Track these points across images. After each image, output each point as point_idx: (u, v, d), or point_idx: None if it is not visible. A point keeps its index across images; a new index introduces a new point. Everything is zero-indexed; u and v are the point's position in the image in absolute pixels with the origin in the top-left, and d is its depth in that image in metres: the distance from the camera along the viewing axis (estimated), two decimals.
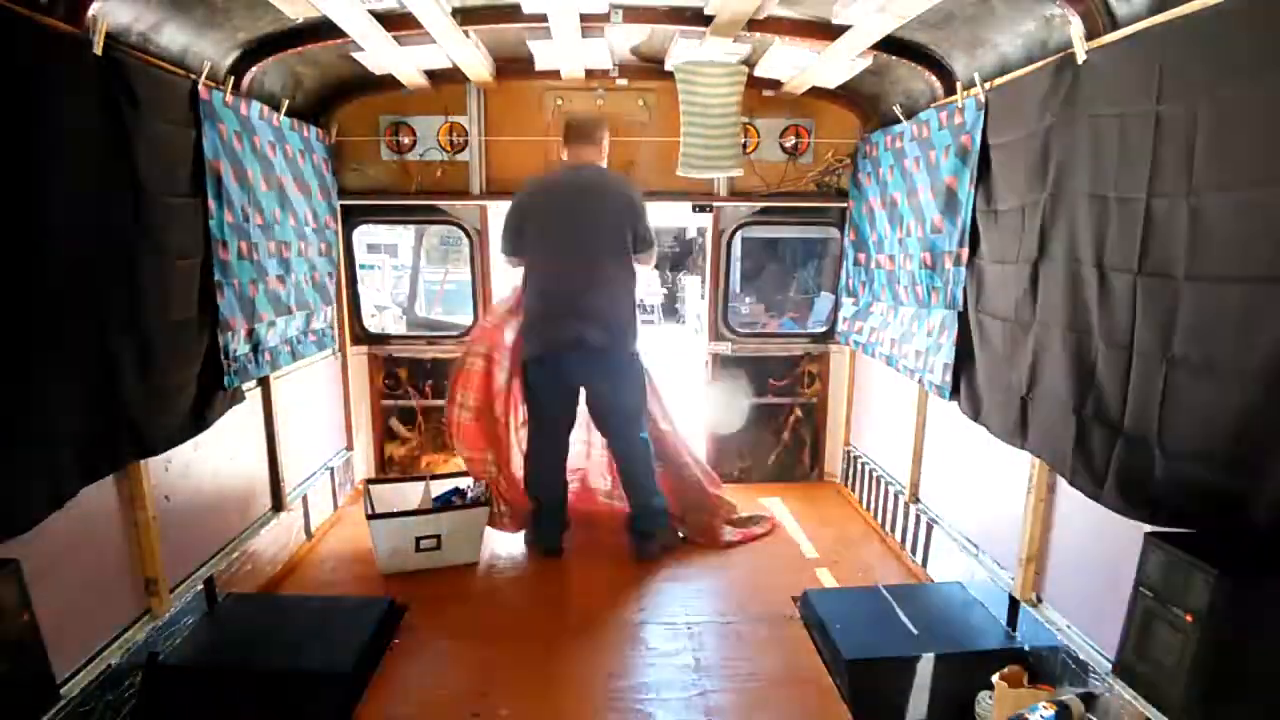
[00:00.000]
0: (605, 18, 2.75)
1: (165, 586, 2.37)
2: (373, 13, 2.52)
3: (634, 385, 3.34)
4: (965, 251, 2.63)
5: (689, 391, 4.68)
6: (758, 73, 3.38)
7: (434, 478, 3.61)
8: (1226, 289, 1.55)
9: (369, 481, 3.66)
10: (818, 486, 4.26)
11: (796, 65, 3.19)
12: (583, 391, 3.34)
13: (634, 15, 2.78)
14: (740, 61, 3.26)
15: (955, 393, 2.74)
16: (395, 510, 3.23)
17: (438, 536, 3.16)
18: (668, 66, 3.40)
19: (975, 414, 2.62)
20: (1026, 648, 2.41)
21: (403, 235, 12.50)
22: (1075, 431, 2.01)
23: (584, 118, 3.35)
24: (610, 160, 3.85)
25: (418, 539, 3.14)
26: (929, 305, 2.96)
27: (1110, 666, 1.98)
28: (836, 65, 2.99)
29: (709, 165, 3.20)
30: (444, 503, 3.43)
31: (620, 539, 3.45)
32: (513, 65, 3.53)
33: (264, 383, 3.08)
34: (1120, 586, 1.79)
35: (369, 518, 3.13)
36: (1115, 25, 1.88)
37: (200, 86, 2.37)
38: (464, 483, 3.56)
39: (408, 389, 4.13)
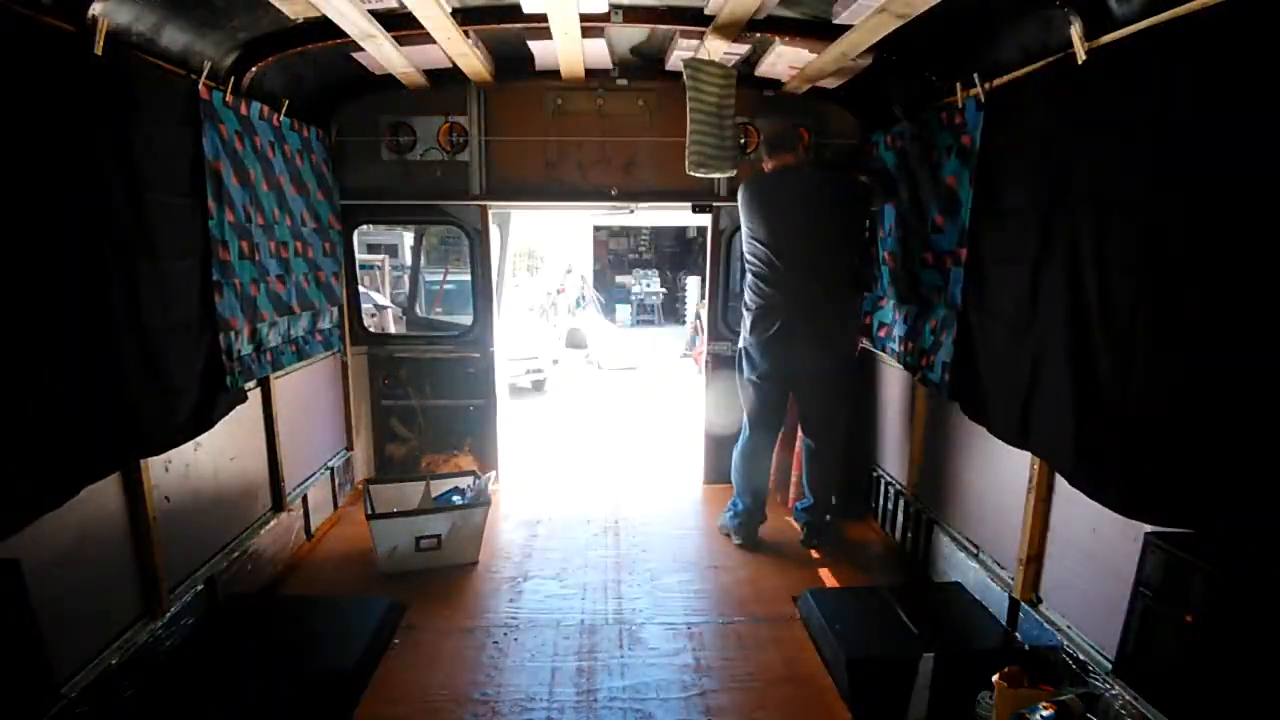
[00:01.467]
0: (605, 17, 2.75)
1: (165, 586, 2.37)
2: (373, 13, 2.52)
3: (846, 391, 3.45)
4: (965, 251, 2.62)
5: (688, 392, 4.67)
6: (758, 72, 3.38)
7: (434, 478, 3.60)
8: (1226, 289, 1.55)
9: (369, 481, 3.66)
10: None
11: (796, 65, 3.19)
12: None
13: (634, 15, 2.78)
14: (740, 61, 3.25)
15: (956, 392, 2.74)
16: (395, 510, 3.23)
17: (438, 536, 3.16)
18: (669, 66, 3.39)
19: (976, 413, 2.62)
20: (1026, 648, 2.41)
21: (403, 235, 12.48)
22: (1075, 431, 2.01)
23: (777, 126, 3.40)
24: (612, 160, 3.85)
25: (418, 539, 3.14)
26: (930, 304, 2.96)
27: (1110, 666, 1.98)
28: (836, 65, 2.98)
29: (717, 164, 3.17)
30: (444, 502, 3.43)
31: None
32: (513, 65, 3.53)
33: (264, 383, 3.08)
34: (1120, 586, 1.79)
35: (369, 518, 3.12)
36: (1115, 25, 1.88)
37: (200, 86, 2.37)
38: (463, 482, 3.56)
39: (408, 389, 4.13)
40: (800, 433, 3.54)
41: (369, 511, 3.18)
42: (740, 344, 3.43)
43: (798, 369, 3.28)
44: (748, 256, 3.33)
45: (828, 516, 3.50)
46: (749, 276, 3.34)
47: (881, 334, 3.52)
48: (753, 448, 3.48)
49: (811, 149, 3.51)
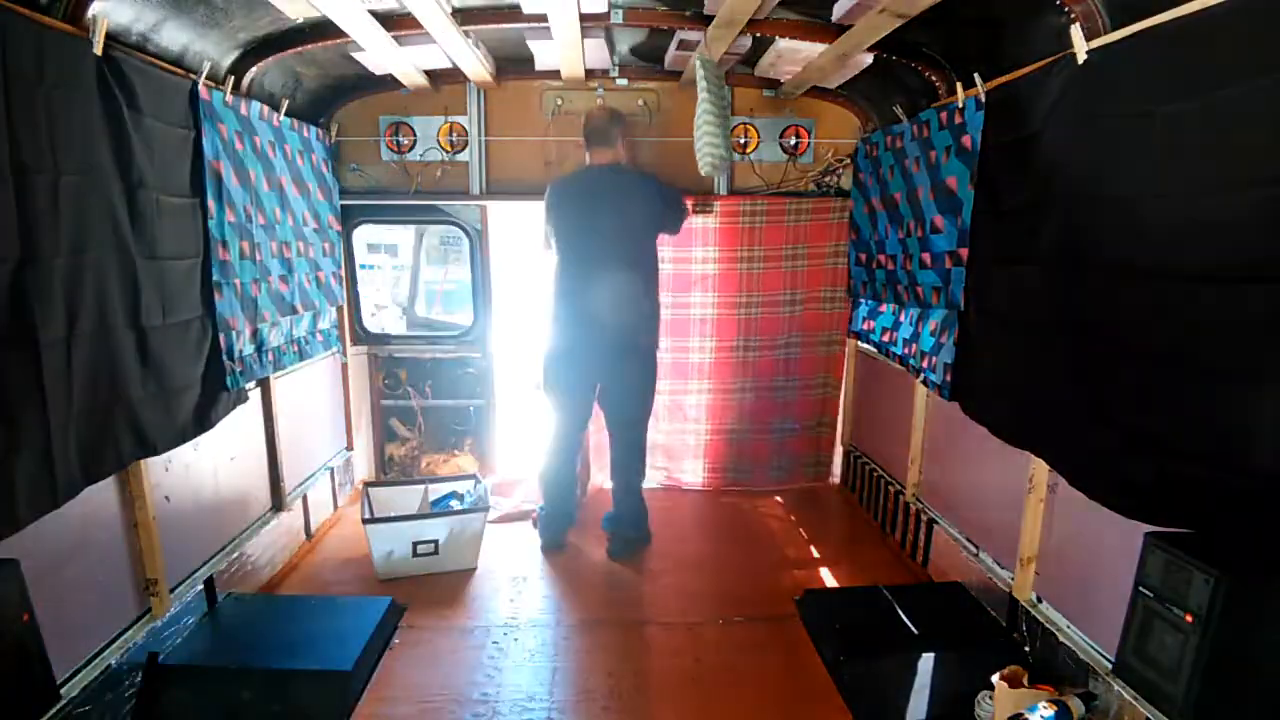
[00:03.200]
0: (605, 17, 2.75)
1: (165, 586, 2.37)
2: (373, 13, 2.52)
3: (649, 384, 3.41)
4: (965, 251, 2.62)
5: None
6: (758, 72, 3.37)
7: (433, 481, 3.59)
8: (1226, 289, 1.55)
9: (368, 484, 3.64)
10: (818, 487, 4.25)
11: (796, 64, 3.18)
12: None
13: (634, 15, 2.78)
14: (740, 61, 3.25)
15: (956, 392, 2.74)
16: (392, 515, 3.21)
17: (435, 542, 3.15)
18: (668, 66, 3.39)
19: (975, 414, 2.62)
20: (1026, 648, 2.41)
21: (403, 235, 12.46)
22: (1075, 431, 2.01)
23: (598, 120, 3.30)
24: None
25: (415, 544, 3.13)
26: (930, 305, 2.96)
27: (1110, 666, 1.98)
28: (836, 65, 2.98)
29: (725, 164, 3.14)
30: (442, 507, 3.42)
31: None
32: (513, 65, 3.53)
33: (264, 383, 3.08)
34: (1120, 586, 1.79)
35: (365, 522, 3.11)
36: (1115, 25, 1.88)
37: (200, 86, 2.37)
38: (462, 486, 3.56)
39: (408, 389, 4.13)
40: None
41: (366, 515, 3.16)
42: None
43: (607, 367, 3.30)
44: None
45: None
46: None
47: (885, 339, 3.52)
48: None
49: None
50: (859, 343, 4.01)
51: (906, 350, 3.25)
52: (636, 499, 3.48)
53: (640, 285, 3.24)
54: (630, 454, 3.45)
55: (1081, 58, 1.96)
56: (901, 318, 3.36)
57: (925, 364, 3.00)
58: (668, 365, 3.90)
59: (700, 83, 2.81)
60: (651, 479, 3.92)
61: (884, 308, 3.56)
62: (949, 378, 2.76)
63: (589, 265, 3.21)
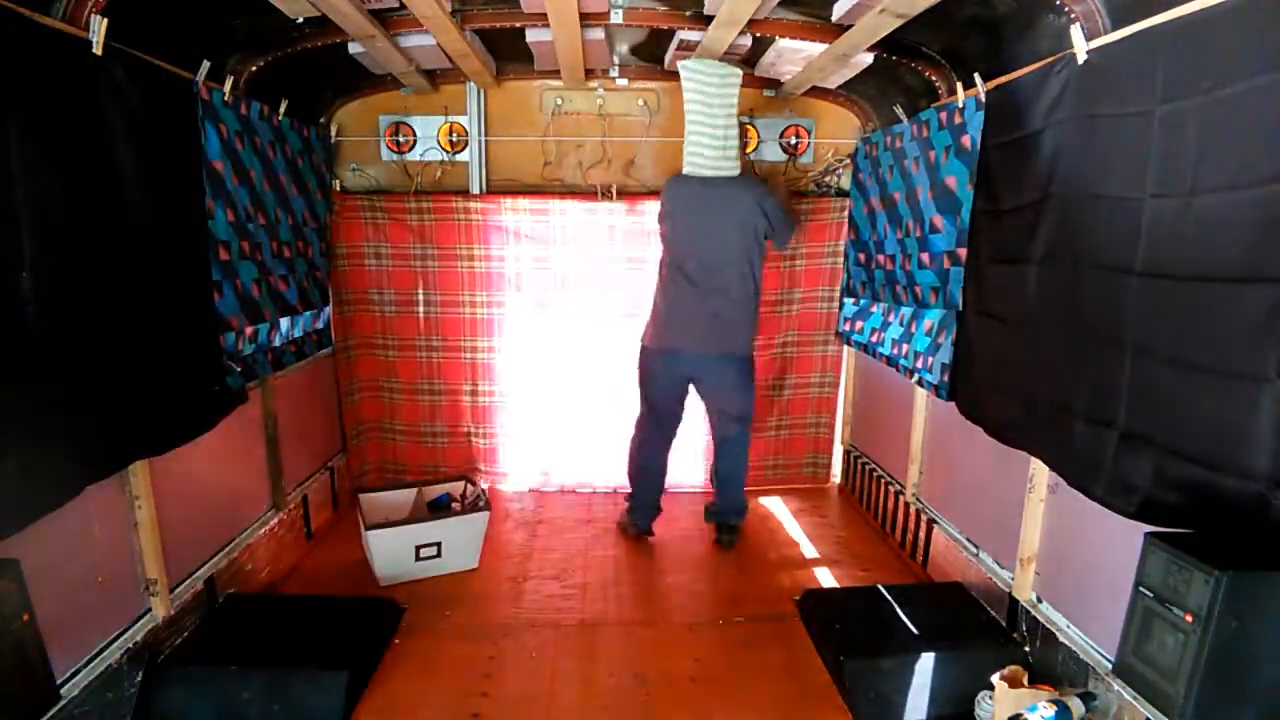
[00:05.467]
0: (605, 16, 2.75)
1: (165, 586, 2.37)
2: (372, 12, 2.52)
3: (746, 386, 3.38)
4: (964, 252, 2.63)
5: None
6: (758, 72, 3.37)
7: (423, 484, 3.57)
8: (1225, 290, 1.55)
9: (358, 490, 3.59)
10: (818, 487, 4.25)
11: (796, 65, 3.18)
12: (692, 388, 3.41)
13: (634, 15, 2.78)
14: (740, 61, 3.25)
15: (954, 393, 2.74)
16: (390, 520, 3.18)
17: (438, 544, 3.14)
18: (668, 66, 3.39)
19: (973, 414, 2.62)
20: (1026, 648, 2.41)
21: None
22: (1074, 432, 2.01)
23: None
24: (612, 160, 3.82)
25: (417, 548, 3.11)
26: (928, 305, 2.96)
27: (1110, 666, 1.98)
28: (836, 65, 2.98)
29: (732, 163, 3.12)
30: (439, 506, 3.40)
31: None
32: (513, 65, 3.53)
33: (264, 382, 3.08)
34: (1120, 586, 1.79)
35: (366, 529, 3.08)
36: (1115, 25, 1.88)
37: (200, 86, 2.37)
38: (454, 486, 3.53)
39: None
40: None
41: (362, 522, 3.14)
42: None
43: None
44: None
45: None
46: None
47: (873, 339, 3.53)
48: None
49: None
50: (844, 345, 4.01)
51: (896, 351, 3.25)
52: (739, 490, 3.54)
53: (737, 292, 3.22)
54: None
55: (1081, 58, 1.97)
56: (890, 318, 3.36)
57: (919, 364, 3.00)
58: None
59: (684, 85, 2.83)
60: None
61: (874, 308, 3.56)
62: (946, 378, 2.76)
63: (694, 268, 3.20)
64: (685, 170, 3.16)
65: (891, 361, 3.32)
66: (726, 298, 3.17)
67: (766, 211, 3.17)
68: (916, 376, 3.05)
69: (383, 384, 4.01)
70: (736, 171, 3.18)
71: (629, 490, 3.60)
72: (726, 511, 3.54)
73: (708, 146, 3.10)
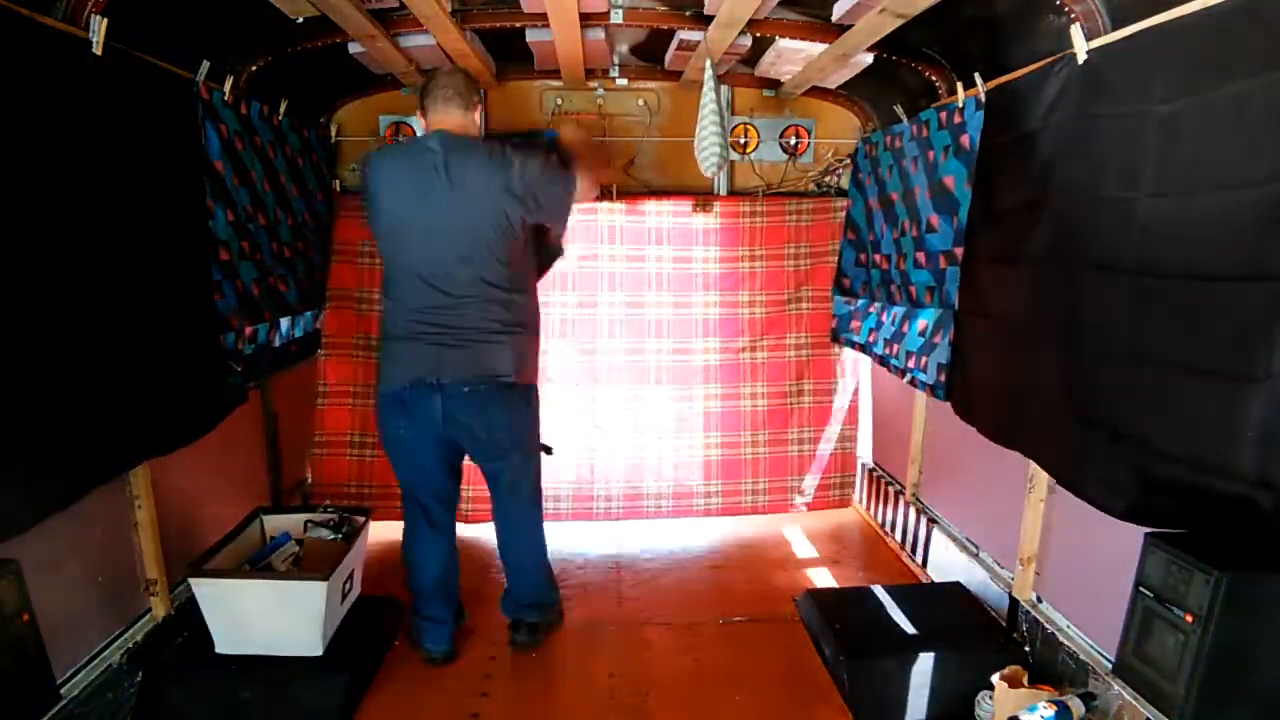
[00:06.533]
0: (605, 16, 2.75)
1: (165, 586, 2.37)
2: (372, 12, 2.52)
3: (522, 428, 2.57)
4: (961, 251, 2.63)
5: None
6: (758, 72, 3.37)
7: (325, 510, 2.90)
8: (1216, 289, 1.55)
9: (262, 510, 2.81)
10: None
11: (796, 65, 3.18)
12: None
13: (634, 15, 2.78)
14: (740, 61, 3.25)
15: (950, 393, 2.74)
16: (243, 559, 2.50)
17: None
18: (668, 65, 3.39)
19: (968, 414, 2.62)
20: (1026, 648, 2.41)
21: None
22: (1069, 433, 2.01)
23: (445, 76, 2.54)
24: (612, 160, 3.76)
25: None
26: (922, 305, 2.96)
27: (1110, 666, 1.98)
28: (836, 65, 2.98)
29: (725, 162, 3.08)
30: (277, 548, 2.62)
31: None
32: (513, 65, 3.53)
33: (264, 382, 3.08)
34: (1120, 586, 1.79)
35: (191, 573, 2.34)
36: (1115, 25, 1.88)
37: (200, 86, 2.37)
38: (298, 521, 2.80)
39: None
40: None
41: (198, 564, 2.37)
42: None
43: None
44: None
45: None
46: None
47: (870, 339, 3.52)
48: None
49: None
50: (837, 346, 3.93)
51: (887, 350, 3.24)
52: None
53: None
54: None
55: (1081, 58, 1.96)
56: (884, 318, 3.35)
57: (911, 364, 3.00)
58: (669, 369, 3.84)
59: (708, 83, 2.79)
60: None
61: (871, 308, 3.55)
62: (943, 378, 2.76)
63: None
64: None
65: (883, 361, 3.32)
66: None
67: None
68: (909, 376, 3.05)
69: (353, 389, 3.60)
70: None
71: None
72: (521, 605, 2.68)
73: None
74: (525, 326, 2.48)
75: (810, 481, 3.94)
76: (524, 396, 2.52)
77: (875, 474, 3.78)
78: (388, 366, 2.43)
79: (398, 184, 2.37)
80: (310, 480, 3.60)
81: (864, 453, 4.01)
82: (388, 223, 2.39)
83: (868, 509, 3.86)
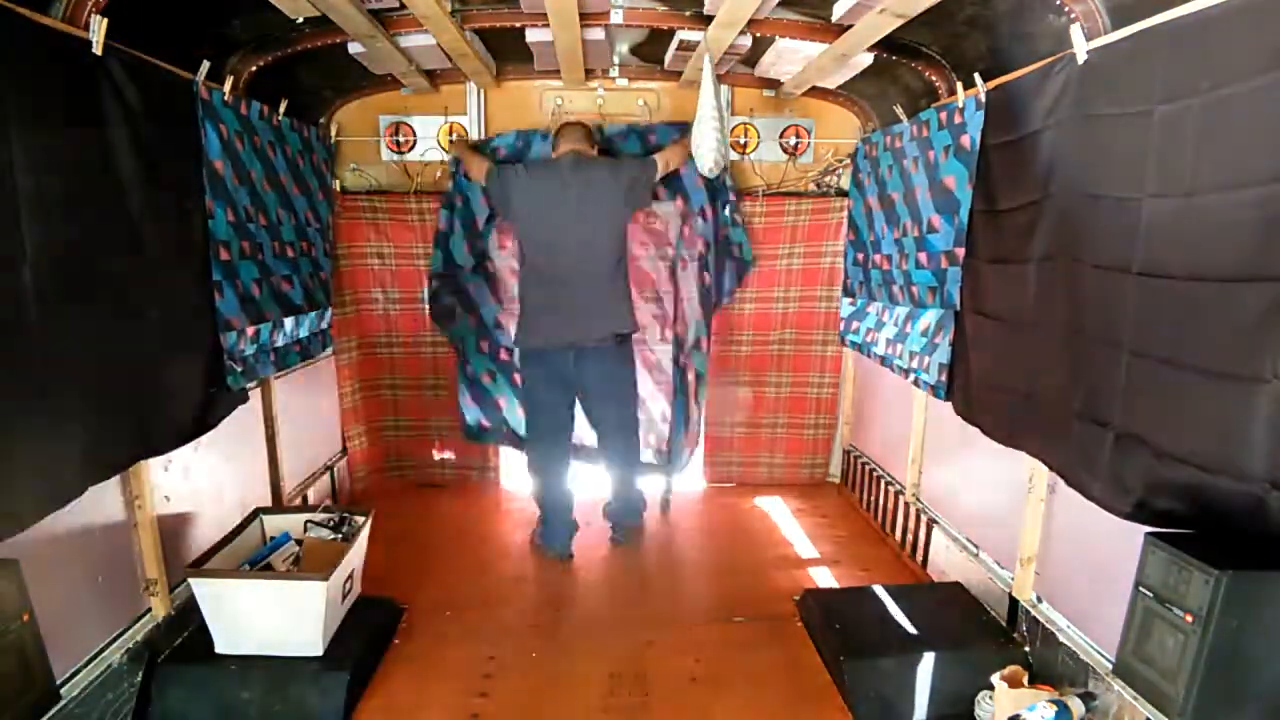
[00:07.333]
0: (605, 16, 2.75)
1: (165, 586, 2.37)
2: (372, 11, 2.52)
3: (627, 376, 3.39)
4: (962, 251, 2.63)
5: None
6: (758, 72, 3.37)
7: (325, 510, 2.90)
8: (1222, 290, 1.55)
9: (261, 510, 2.81)
10: (818, 486, 4.25)
11: (796, 65, 3.18)
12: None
13: (634, 15, 2.78)
14: (740, 61, 3.25)
15: (950, 393, 2.74)
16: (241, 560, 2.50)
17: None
18: (668, 65, 3.39)
19: (969, 414, 2.62)
20: (1026, 648, 2.41)
21: None
22: (1070, 432, 2.01)
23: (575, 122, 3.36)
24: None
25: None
26: (924, 305, 2.96)
27: (1110, 666, 1.98)
28: (836, 65, 2.98)
29: (726, 161, 3.07)
30: (276, 548, 2.62)
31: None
32: (513, 65, 3.53)
33: (264, 382, 3.08)
34: (1120, 586, 1.79)
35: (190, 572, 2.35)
36: (1115, 25, 1.88)
37: (200, 86, 2.37)
38: (298, 521, 2.79)
39: None
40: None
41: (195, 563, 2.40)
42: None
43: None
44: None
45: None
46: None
47: (869, 339, 3.52)
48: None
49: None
50: (842, 346, 4.01)
51: (890, 350, 3.25)
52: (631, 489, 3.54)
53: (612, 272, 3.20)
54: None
55: (1081, 58, 1.96)
56: (885, 318, 3.36)
57: (914, 364, 3.00)
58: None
59: (707, 81, 2.79)
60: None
61: (870, 308, 3.56)
62: (944, 378, 2.76)
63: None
64: None
65: (885, 361, 3.32)
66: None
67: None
68: (912, 376, 3.05)
69: (385, 382, 4.01)
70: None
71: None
72: (620, 512, 3.53)
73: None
74: (628, 296, 3.26)
75: (781, 460, 4.22)
76: (632, 349, 3.39)
77: (876, 473, 3.78)
78: (529, 332, 3.18)
79: (539, 190, 3.12)
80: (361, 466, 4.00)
81: (866, 452, 4.01)
82: (530, 219, 3.15)
83: (868, 509, 3.86)
